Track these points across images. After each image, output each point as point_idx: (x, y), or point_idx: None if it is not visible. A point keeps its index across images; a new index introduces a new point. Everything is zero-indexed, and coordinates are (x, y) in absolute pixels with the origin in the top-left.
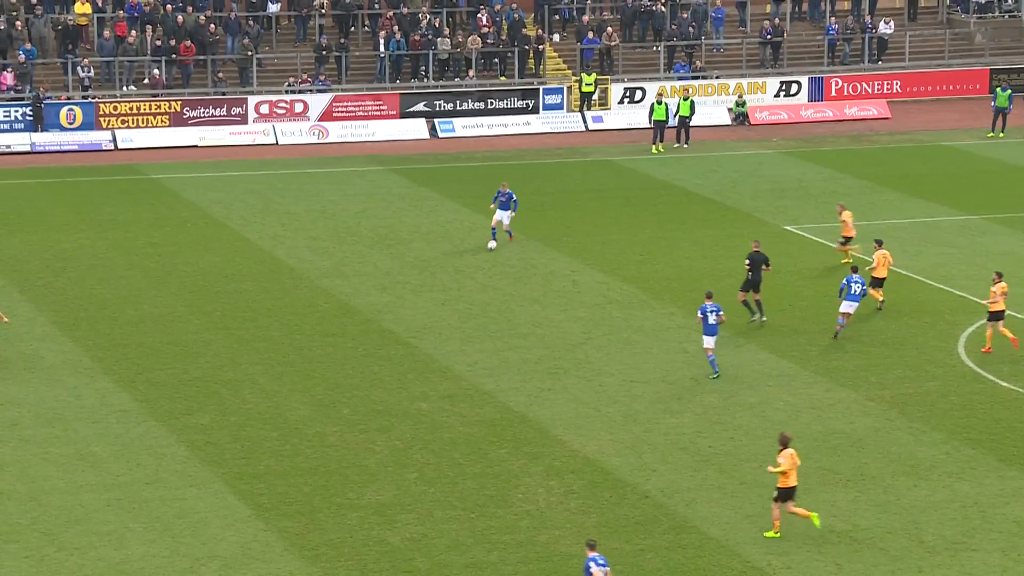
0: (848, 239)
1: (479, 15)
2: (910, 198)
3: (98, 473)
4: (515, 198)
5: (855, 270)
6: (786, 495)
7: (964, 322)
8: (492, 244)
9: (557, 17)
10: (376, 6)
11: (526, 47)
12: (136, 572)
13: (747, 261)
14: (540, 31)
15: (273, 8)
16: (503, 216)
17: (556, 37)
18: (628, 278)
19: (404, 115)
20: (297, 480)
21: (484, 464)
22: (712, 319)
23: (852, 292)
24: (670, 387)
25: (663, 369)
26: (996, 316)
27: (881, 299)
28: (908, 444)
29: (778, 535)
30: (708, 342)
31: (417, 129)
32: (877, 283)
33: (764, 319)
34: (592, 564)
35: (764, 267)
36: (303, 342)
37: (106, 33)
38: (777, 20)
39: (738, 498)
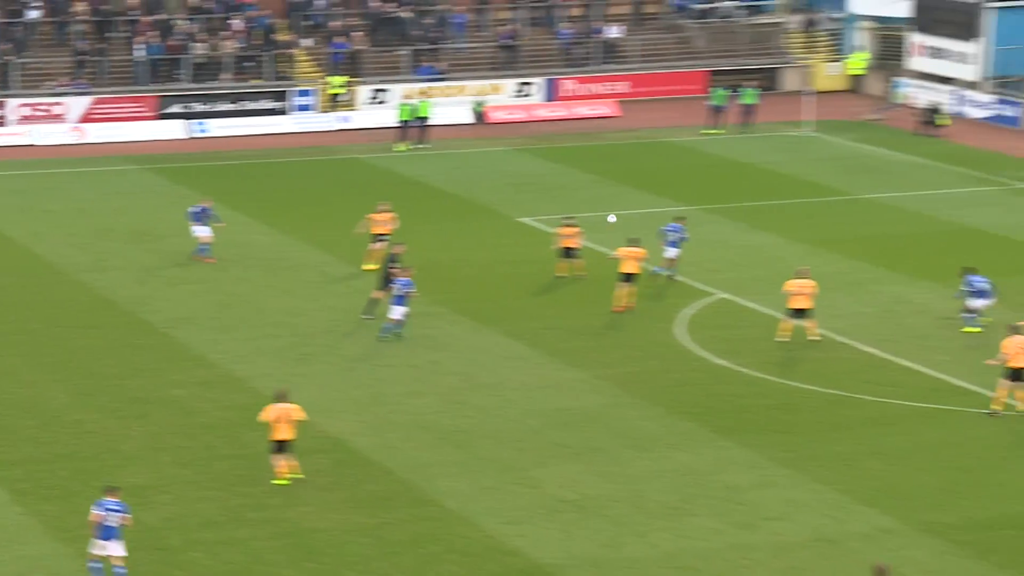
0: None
1: (233, 20)
2: (636, 191)
3: None
4: (212, 214)
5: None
6: None
7: (683, 305)
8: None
9: (308, 23)
10: (132, 12)
11: (278, 51)
12: None
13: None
14: (291, 36)
15: (33, 14)
16: (201, 231)
17: (307, 42)
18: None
19: (161, 116)
20: (55, 466)
21: (237, 446)
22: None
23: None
24: (414, 370)
25: (407, 354)
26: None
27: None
28: (632, 419)
29: None
30: (396, 312)
31: (174, 130)
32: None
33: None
34: None
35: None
36: (63, 334)
37: None
38: (515, 25)
39: (475, 473)
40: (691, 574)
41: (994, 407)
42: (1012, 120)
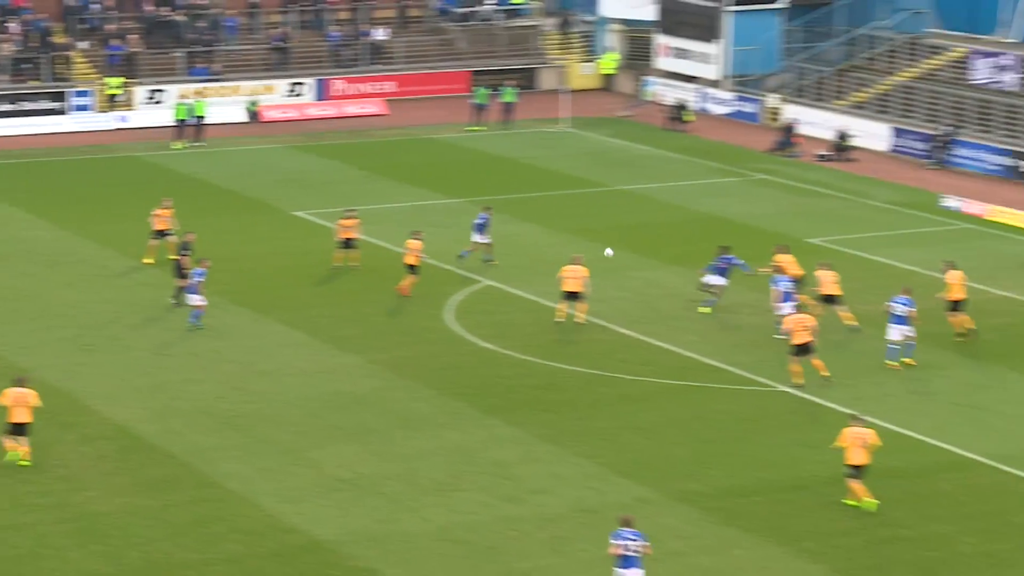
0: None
1: (10, 24)
2: (403, 185)
3: None
4: None
5: None
6: None
7: (452, 292)
8: None
9: (84, 26)
10: None
11: (55, 53)
12: None
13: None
14: (68, 38)
15: None
16: None
17: (83, 44)
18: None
19: None
20: None
21: None
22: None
23: None
24: (195, 359)
25: (189, 343)
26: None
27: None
28: (404, 401)
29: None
30: (192, 300)
31: None
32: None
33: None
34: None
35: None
36: None
37: None
38: (286, 28)
39: (255, 455)
40: (462, 546)
41: (796, 382)
42: (751, 116)
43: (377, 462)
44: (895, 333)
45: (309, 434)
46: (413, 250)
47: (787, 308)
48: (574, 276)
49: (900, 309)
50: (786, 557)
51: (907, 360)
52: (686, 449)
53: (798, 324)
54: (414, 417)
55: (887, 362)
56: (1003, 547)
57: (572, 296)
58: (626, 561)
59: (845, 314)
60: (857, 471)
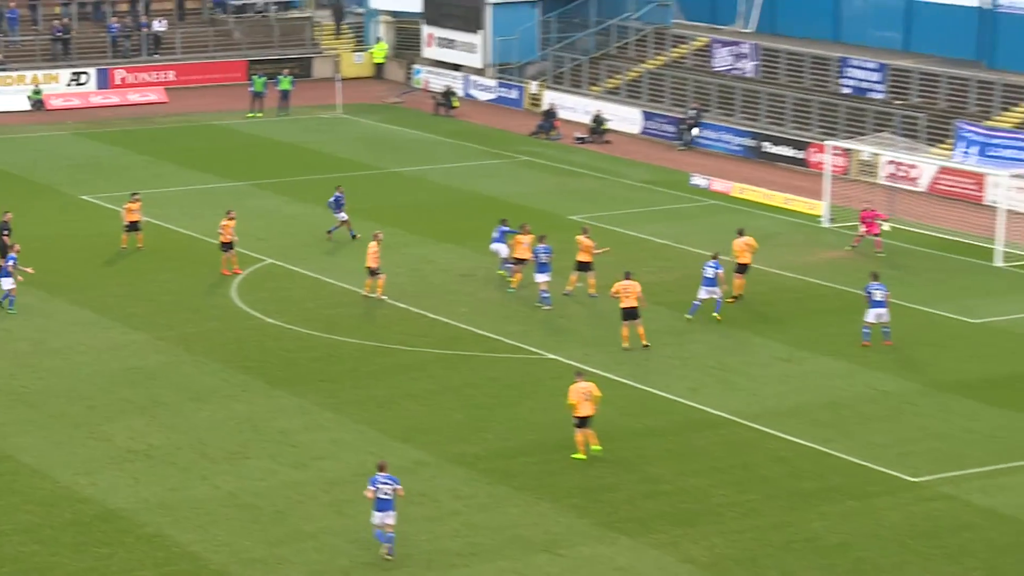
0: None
1: None
2: (186, 170)
3: None
4: None
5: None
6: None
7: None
8: None
9: None
10: None
11: None
12: None
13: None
14: None
15: None
16: None
17: None
18: None
19: None
20: None
21: None
22: None
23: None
24: None
25: None
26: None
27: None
28: (193, 374)
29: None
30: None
31: None
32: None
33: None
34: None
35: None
36: None
37: None
38: (67, 19)
39: (48, 429)
40: (251, 511)
41: (624, 345)
42: (515, 102)
43: (168, 433)
44: (871, 316)
45: (101, 408)
46: (227, 229)
47: (541, 278)
48: (372, 253)
49: (878, 294)
50: (555, 513)
51: (887, 343)
52: (461, 414)
53: (624, 290)
54: (203, 390)
55: (864, 343)
56: (752, 497)
57: (372, 272)
58: (381, 504)
59: (591, 281)
60: (583, 422)
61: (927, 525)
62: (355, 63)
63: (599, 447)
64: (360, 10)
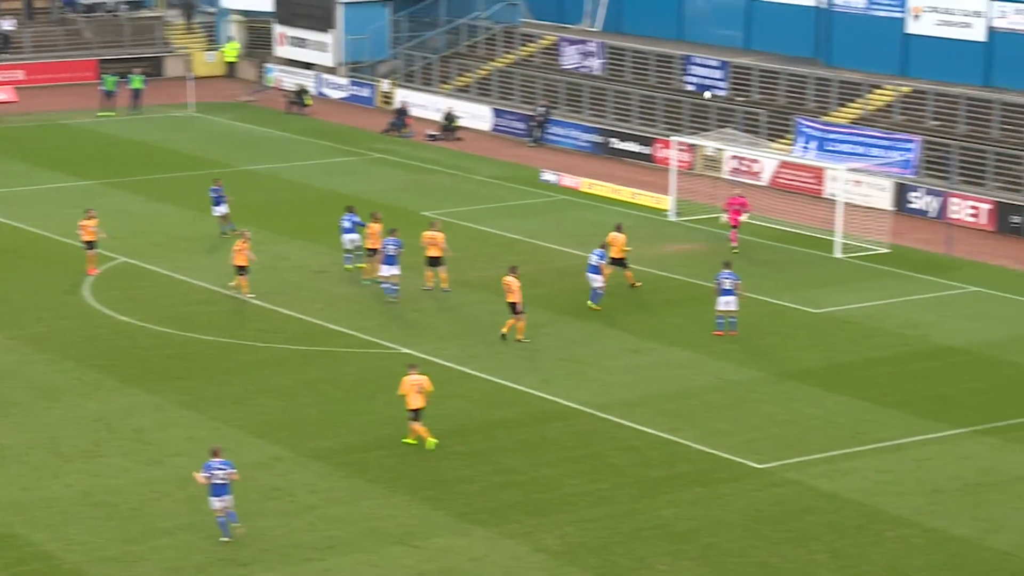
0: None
1: None
2: (39, 169)
3: None
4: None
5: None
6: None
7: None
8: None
9: None
10: None
11: None
12: None
13: None
14: None
15: None
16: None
17: None
18: None
19: None
20: None
21: None
22: None
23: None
24: None
25: None
26: None
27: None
28: (45, 373)
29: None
30: None
31: None
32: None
33: None
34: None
35: None
36: None
37: None
38: None
39: None
40: (105, 508)
41: (504, 331)
42: (367, 100)
43: (20, 433)
44: (721, 304)
45: None
46: (86, 229)
47: (388, 271)
48: (240, 250)
49: (727, 283)
50: (410, 505)
51: (732, 333)
52: (316, 409)
53: (507, 285)
54: (55, 388)
55: (716, 332)
56: (603, 486)
57: (241, 270)
58: (217, 489)
59: (444, 275)
60: (416, 414)
61: (772, 510)
62: (207, 62)
63: (433, 441)
64: (211, 9)
